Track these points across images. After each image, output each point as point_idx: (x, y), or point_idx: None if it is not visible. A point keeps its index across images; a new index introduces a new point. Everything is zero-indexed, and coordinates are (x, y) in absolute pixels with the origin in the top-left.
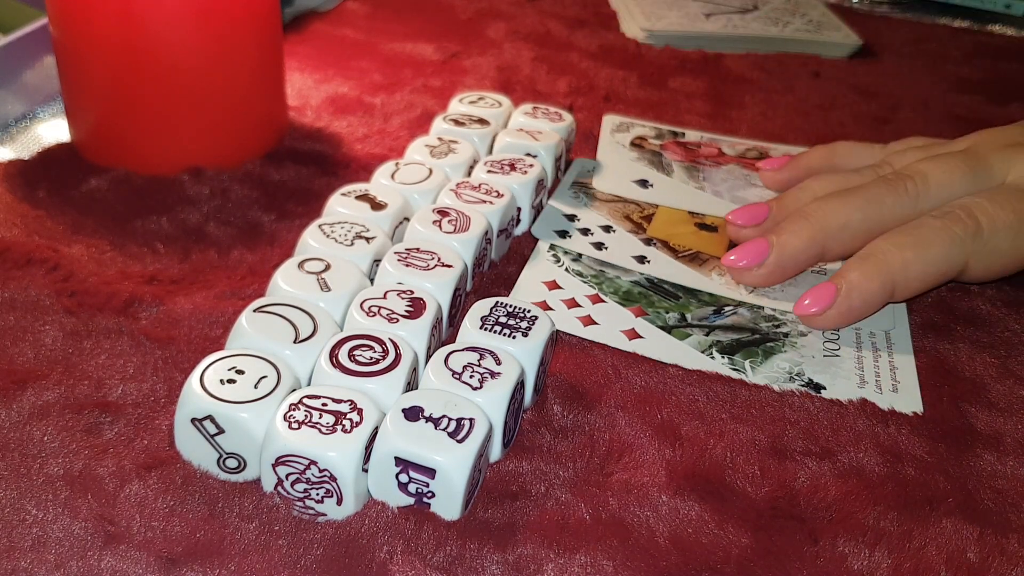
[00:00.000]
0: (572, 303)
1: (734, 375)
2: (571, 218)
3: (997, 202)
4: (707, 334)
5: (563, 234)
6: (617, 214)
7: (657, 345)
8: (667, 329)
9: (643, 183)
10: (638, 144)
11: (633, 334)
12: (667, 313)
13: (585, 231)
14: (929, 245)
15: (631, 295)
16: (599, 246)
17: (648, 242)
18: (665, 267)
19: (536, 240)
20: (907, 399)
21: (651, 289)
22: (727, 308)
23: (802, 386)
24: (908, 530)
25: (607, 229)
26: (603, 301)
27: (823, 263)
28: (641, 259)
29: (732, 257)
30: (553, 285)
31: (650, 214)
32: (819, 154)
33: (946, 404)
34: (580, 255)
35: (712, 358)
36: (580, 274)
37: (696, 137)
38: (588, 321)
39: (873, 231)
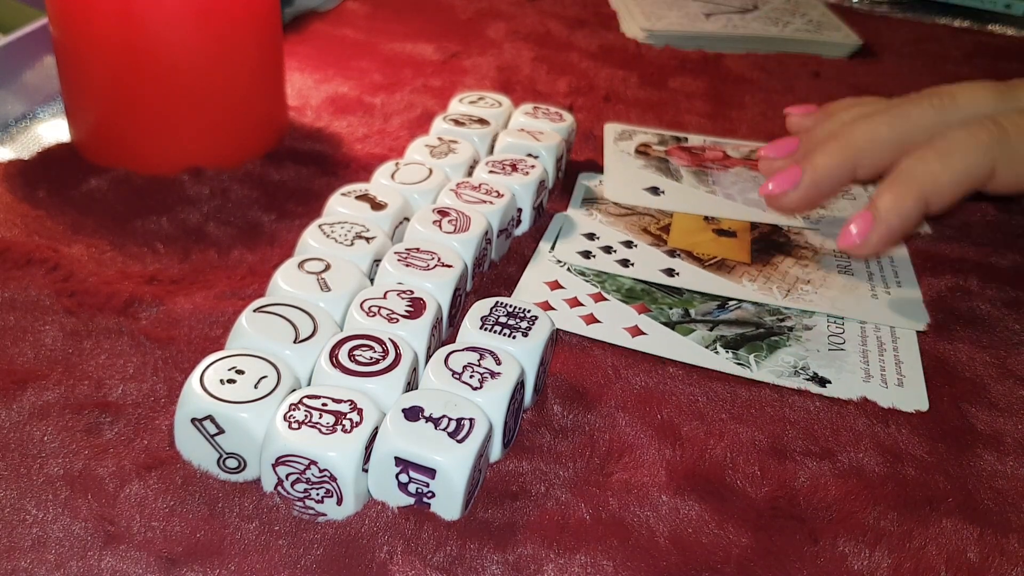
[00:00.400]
0: (575, 302)
1: (738, 370)
2: (590, 236)
3: (1022, 112)
4: (711, 329)
5: (587, 254)
6: (634, 228)
7: (660, 341)
8: (670, 325)
9: (654, 190)
10: (643, 151)
11: (636, 331)
12: (670, 309)
13: (608, 249)
14: (954, 153)
15: (634, 292)
16: (625, 263)
17: (672, 253)
18: (695, 278)
19: (536, 240)
20: (912, 393)
21: (654, 286)
22: (731, 303)
23: (807, 379)
24: (908, 530)
25: (628, 245)
26: (606, 299)
27: (856, 182)
28: (670, 272)
29: (770, 186)
30: (555, 285)
31: (667, 224)
32: (847, 101)
33: (946, 404)
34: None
35: (716, 353)
36: (582, 273)
37: (699, 141)
38: (591, 319)
39: (902, 144)
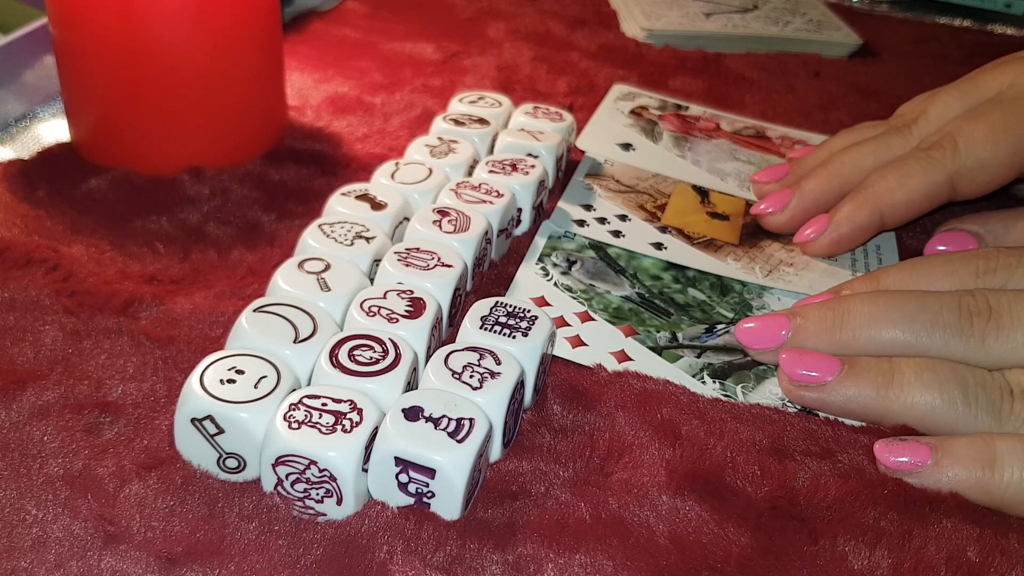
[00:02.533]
0: (561, 322)
1: (726, 402)
2: (587, 207)
3: (973, 118)
4: (698, 356)
5: (581, 223)
6: (631, 204)
7: (647, 368)
8: (658, 350)
9: (626, 146)
10: (637, 113)
11: (623, 356)
12: (658, 332)
13: (602, 220)
14: (911, 174)
15: (621, 312)
16: (616, 234)
17: (663, 230)
18: (681, 253)
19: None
20: None
21: (642, 305)
22: (719, 327)
23: (797, 411)
24: (908, 530)
25: (623, 218)
26: (593, 319)
27: None
28: (658, 246)
29: (762, 206)
30: (541, 302)
31: (663, 203)
32: (843, 132)
33: None
34: (569, 268)
35: (703, 383)
36: (569, 289)
37: (699, 111)
38: (577, 342)
39: None
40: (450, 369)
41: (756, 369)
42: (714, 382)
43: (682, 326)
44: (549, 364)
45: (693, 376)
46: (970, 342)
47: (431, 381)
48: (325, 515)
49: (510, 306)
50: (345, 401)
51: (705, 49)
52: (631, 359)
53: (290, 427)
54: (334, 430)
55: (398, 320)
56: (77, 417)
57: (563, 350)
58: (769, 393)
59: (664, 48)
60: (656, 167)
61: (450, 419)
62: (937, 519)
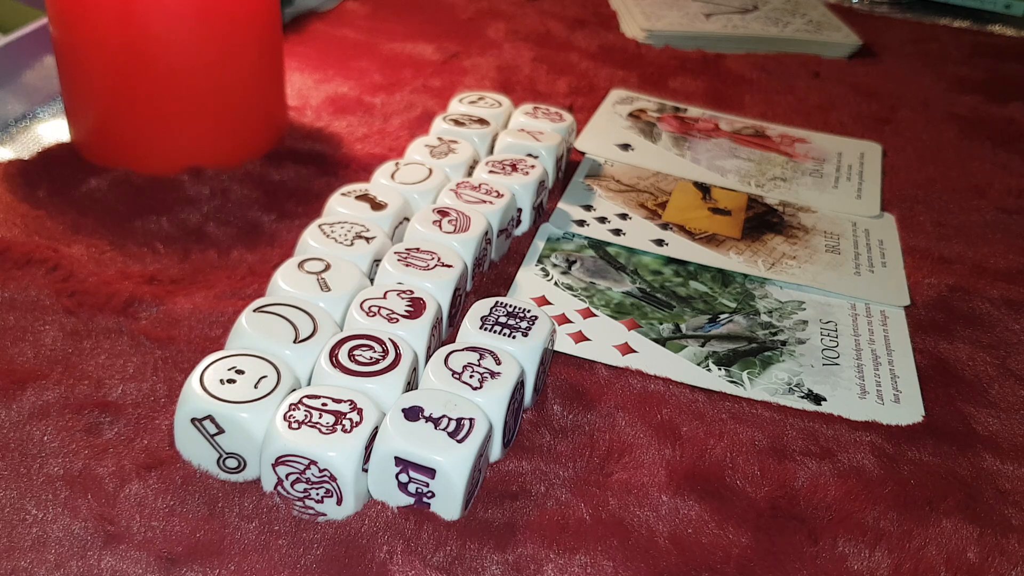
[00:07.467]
0: (563, 319)
1: (731, 388)
2: (587, 208)
3: None
4: (703, 345)
5: (581, 223)
6: (632, 203)
7: (651, 359)
8: (661, 341)
9: (624, 147)
10: (636, 115)
11: (627, 348)
12: (661, 324)
13: (602, 219)
14: None
15: (623, 307)
16: (617, 232)
17: (664, 227)
18: (682, 248)
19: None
20: (909, 409)
21: (643, 299)
22: (722, 316)
23: (801, 397)
24: (908, 530)
25: (623, 217)
26: (595, 315)
27: None
28: (659, 242)
29: None
30: (543, 301)
31: (663, 201)
32: None
33: (946, 405)
34: (569, 268)
35: (708, 370)
36: (570, 288)
37: (697, 113)
38: (580, 337)
39: None
40: (450, 369)
41: (762, 355)
42: (719, 369)
43: (685, 318)
44: (549, 364)
45: (698, 364)
46: None
47: (431, 381)
48: (325, 515)
49: (510, 306)
50: (345, 401)
51: (705, 50)
52: (635, 351)
53: (290, 427)
54: (334, 430)
55: (398, 320)
56: (77, 417)
57: (566, 346)
58: (775, 378)
59: (664, 49)
60: (656, 166)
61: (450, 419)
62: (937, 519)
